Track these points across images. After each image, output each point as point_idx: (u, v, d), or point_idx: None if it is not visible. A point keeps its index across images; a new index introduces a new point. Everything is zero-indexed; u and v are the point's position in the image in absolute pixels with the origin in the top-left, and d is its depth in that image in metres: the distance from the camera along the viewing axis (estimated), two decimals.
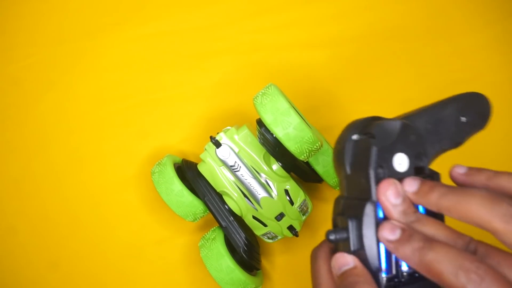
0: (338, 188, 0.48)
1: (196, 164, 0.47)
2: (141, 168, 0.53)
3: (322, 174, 0.46)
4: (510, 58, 0.54)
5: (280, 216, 0.45)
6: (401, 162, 0.29)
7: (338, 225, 0.30)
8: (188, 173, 0.46)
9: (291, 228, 0.46)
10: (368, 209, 0.28)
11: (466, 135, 0.32)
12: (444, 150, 0.31)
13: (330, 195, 0.51)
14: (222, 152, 0.44)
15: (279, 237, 0.47)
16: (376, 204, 0.28)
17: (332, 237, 0.29)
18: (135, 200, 0.53)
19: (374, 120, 0.31)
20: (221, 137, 0.44)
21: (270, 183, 0.44)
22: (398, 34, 0.55)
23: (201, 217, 0.47)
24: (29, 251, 0.52)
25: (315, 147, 0.40)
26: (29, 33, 0.57)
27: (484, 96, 0.33)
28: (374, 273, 0.28)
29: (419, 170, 0.30)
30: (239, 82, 0.54)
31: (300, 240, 0.50)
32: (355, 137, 0.30)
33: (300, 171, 0.46)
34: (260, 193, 0.44)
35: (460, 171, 0.30)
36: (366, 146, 0.29)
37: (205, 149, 0.45)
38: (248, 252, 0.45)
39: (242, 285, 0.44)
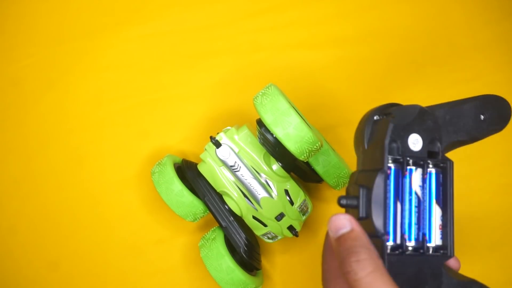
0: (338, 188, 0.48)
1: (196, 164, 0.47)
2: (141, 168, 0.53)
3: (322, 174, 0.46)
4: (510, 58, 0.54)
5: (280, 216, 0.45)
6: (415, 142, 0.31)
7: (350, 193, 0.31)
8: (188, 173, 0.46)
9: (291, 228, 0.46)
10: (379, 177, 0.29)
11: (483, 132, 0.34)
12: (460, 142, 0.33)
13: (330, 195, 0.51)
14: (222, 152, 0.44)
15: (279, 237, 0.47)
16: (388, 174, 0.30)
17: (343, 201, 0.30)
18: (135, 200, 0.53)
19: (393, 105, 0.33)
20: (221, 137, 0.44)
21: (270, 183, 0.44)
22: (398, 34, 0.55)
23: (201, 217, 0.47)
24: (29, 251, 0.52)
25: (315, 147, 0.40)
26: (29, 33, 0.57)
27: (505, 100, 0.34)
28: (379, 238, 0.29)
29: (432, 154, 0.32)
30: (239, 82, 0.54)
31: (300, 240, 0.50)
32: (376, 117, 0.32)
33: (300, 171, 0.46)
34: (260, 193, 0.44)
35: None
36: (384, 124, 0.31)
37: (205, 149, 0.45)
38: (248, 252, 0.45)
39: (242, 285, 0.44)
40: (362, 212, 0.29)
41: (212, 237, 0.45)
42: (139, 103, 0.55)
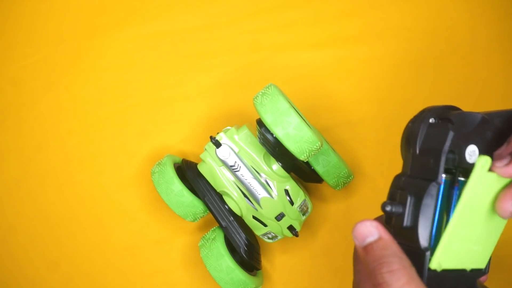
0: (338, 188, 0.48)
1: (196, 164, 0.47)
2: (141, 168, 0.53)
3: (322, 174, 0.46)
4: (510, 58, 0.53)
5: (280, 216, 0.45)
6: (471, 154, 0.29)
7: (395, 199, 0.29)
8: (188, 173, 0.46)
9: (291, 228, 0.46)
10: (432, 189, 0.28)
11: None
12: None
13: (330, 195, 0.51)
14: (222, 152, 0.44)
15: (279, 237, 0.47)
16: (440, 186, 0.28)
17: (388, 208, 0.28)
18: (135, 200, 0.53)
19: (452, 109, 0.32)
20: (221, 137, 0.44)
21: (270, 183, 0.44)
22: (398, 34, 0.54)
23: (201, 217, 0.47)
24: (29, 251, 0.52)
25: (315, 147, 0.40)
26: (29, 33, 0.57)
27: None
28: (421, 251, 0.28)
29: None
30: (239, 82, 0.54)
31: (300, 240, 0.50)
32: (432, 120, 0.30)
33: (300, 171, 0.46)
34: (260, 193, 0.44)
35: (500, 164, 0.29)
36: (442, 130, 0.29)
37: (205, 149, 0.45)
38: (248, 252, 0.45)
39: (242, 285, 0.44)
40: (407, 221, 0.28)
41: (212, 237, 0.45)
42: (139, 103, 0.55)
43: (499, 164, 0.29)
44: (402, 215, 0.28)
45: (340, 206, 0.51)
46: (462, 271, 0.29)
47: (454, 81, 0.53)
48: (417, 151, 0.30)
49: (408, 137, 0.31)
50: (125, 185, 0.53)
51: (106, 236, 0.52)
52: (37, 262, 0.52)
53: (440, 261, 0.28)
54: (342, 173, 0.46)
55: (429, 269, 0.28)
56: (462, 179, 0.30)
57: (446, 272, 0.28)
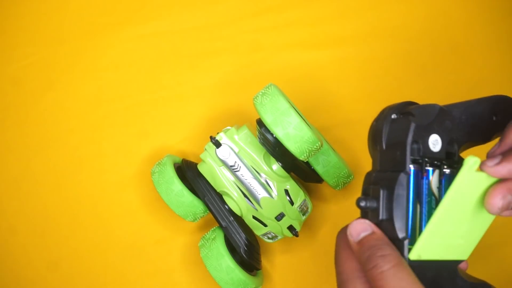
0: (338, 188, 0.48)
1: (196, 164, 0.47)
2: (141, 168, 0.53)
3: (322, 174, 0.46)
4: (509, 58, 0.53)
5: (280, 216, 0.45)
6: (435, 143, 0.31)
7: (369, 194, 0.30)
8: (188, 173, 0.46)
9: (291, 228, 0.46)
10: (402, 179, 0.29)
11: (494, 133, 0.33)
12: (472, 143, 0.33)
13: (330, 195, 0.51)
14: (222, 152, 0.44)
15: (279, 237, 0.47)
16: (409, 176, 0.29)
17: (362, 203, 0.30)
18: (135, 200, 0.53)
19: (411, 104, 0.33)
20: (221, 137, 0.44)
21: (270, 183, 0.44)
22: (398, 34, 0.54)
23: (201, 217, 0.47)
24: (29, 251, 0.52)
25: (315, 147, 0.40)
26: (29, 33, 0.57)
27: None
28: (399, 241, 0.29)
29: (449, 155, 0.31)
30: (239, 82, 0.54)
31: (300, 240, 0.50)
32: (394, 116, 0.32)
33: (300, 171, 0.46)
34: (260, 193, 0.44)
35: (491, 164, 0.30)
36: (404, 123, 0.30)
37: (205, 149, 0.45)
38: (248, 252, 0.45)
39: (242, 285, 0.44)
40: (382, 214, 0.29)
41: (212, 237, 0.45)
42: (139, 103, 0.55)
43: (490, 163, 0.29)
44: (377, 209, 0.29)
45: (340, 206, 0.51)
46: (443, 261, 0.30)
47: (453, 81, 0.53)
48: (384, 147, 0.31)
49: (374, 135, 0.32)
50: (125, 185, 0.53)
51: (106, 236, 0.52)
52: (37, 262, 0.52)
53: (420, 253, 0.29)
54: (342, 173, 0.46)
55: (409, 259, 0.28)
56: (448, 171, 0.31)
57: (427, 262, 0.29)
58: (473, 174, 0.29)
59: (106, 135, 0.54)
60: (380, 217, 0.29)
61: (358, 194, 0.50)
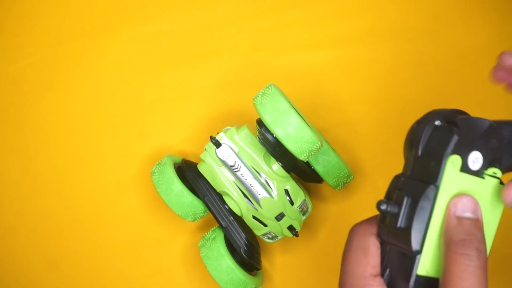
0: (338, 188, 0.48)
1: (196, 164, 0.47)
2: (141, 168, 0.53)
3: (322, 174, 0.46)
4: None
5: (280, 216, 0.45)
6: (475, 160, 0.29)
7: (392, 199, 0.29)
8: (188, 173, 0.46)
9: (291, 228, 0.46)
10: (430, 192, 0.28)
11: None
12: None
13: (330, 195, 0.51)
14: (222, 152, 0.44)
15: (279, 237, 0.47)
16: (438, 190, 0.28)
17: (383, 207, 0.28)
18: (135, 200, 0.53)
19: (460, 113, 0.31)
20: (221, 137, 0.44)
21: (270, 183, 0.44)
22: (398, 34, 0.54)
23: (201, 217, 0.47)
24: (29, 251, 0.52)
25: (315, 147, 0.40)
26: (29, 33, 0.57)
27: None
28: (412, 253, 0.27)
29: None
30: (239, 82, 0.54)
31: (300, 240, 0.50)
32: (437, 122, 0.30)
33: (300, 171, 0.46)
34: (260, 193, 0.44)
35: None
36: (446, 133, 0.28)
37: (205, 149, 0.45)
38: (248, 252, 0.45)
39: (242, 285, 0.44)
40: (401, 222, 0.28)
41: (212, 237, 0.45)
42: (139, 103, 0.55)
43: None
44: (397, 215, 0.28)
45: (340, 206, 0.51)
46: None
47: (454, 81, 0.53)
48: (419, 153, 0.29)
49: (412, 138, 0.30)
50: (125, 185, 0.53)
51: (106, 236, 0.52)
52: (37, 262, 0.52)
53: (426, 267, 0.28)
54: (342, 173, 0.46)
55: (417, 274, 0.27)
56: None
57: (435, 280, 0.28)
58: (457, 175, 0.28)
59: (106, 135, 0.54)
60: (398, 225, 0.28)
61: (358, 194, 0.51)
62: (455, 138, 0.28)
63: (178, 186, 0.45)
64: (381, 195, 0.54)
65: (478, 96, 0.52)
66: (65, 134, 0.55)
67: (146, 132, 0.54)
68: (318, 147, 0.40)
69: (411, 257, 0.28)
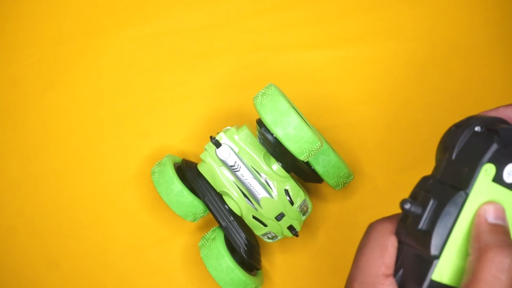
0: (338, 188, 0.48)
1: (196, 164, 0.47)
2: (141, 168, 0.53)
3: (322, 174, 0.46)
4: (510, 58, 0.53)
5: (280, 216, 0.45)
6: (510, 173, 0.28)
7: (417, 199, 0.28)
8: (188, 173, 0.46)
9: (291, 228, 0.46)
10: (459, 198, 0.27)
11: None
12: None
13: (330, 195, 0.51)
14: (222, 152, 0.44)
15: (279, 237, 0.47)
16: (467, 197, 0.27)
17: (407, 206, 0.27)
18: (135, 200, 0.53)
19: (502, 122, 0.30)
20: (221, 137, 0.44)
21: (270, 183, 0.44)
22: (398, 34, 0.54)
23: (201, 217, 0.47)
24: (29, 251, 0.52)
25: (315, 147, 0.40)
26: (29, 33, 0.57)
27: None
28: (430, 257, 0.27)
29: None
30: (239, 82, 0.54)
31: (300, 240, 0.50)
32: (477, 128, 0.29)
33: (300, 171, 0.46)
34: (260, 193, 0.44)
35: None
36: (486, 141, 0.27)
37: (205, 149, 0.45)
38: (248, 252, 0.45)
39: (242, 285, 0.44)
40: (423, 224, 0.27)
41: (212, 237, 0.45)
42: (139, 103, 0.55)
43: None
44: (420, 216, 0.27)
45: (340, 206, 0.51)
46: None
47: (454, 81, 0.53)
48: (454, 157, 0.28)
49: (448, 141, 0.29)
50: (125, 185, 0.53)
51: (106, 236, 0.52)
52: (37, 262, 0.52)
53: (441, 273, 0.27)
54: (342, 173, 0.46)
55: (431, 279, 0.27)
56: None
57: (447, 287, 0.28)
58: (489, 185, 0.27)
59: (106, 135, 0.54)
60: (420, 226, 0.27)
61: (358, 194, 0.51)
62: (494, 147, 0.27)
63: (178, 186, 0.45)
64: (381, 195, 0.55)
65: (478, 96, 0.52)
66: (65, 134, 0.55)
67: (146, 132, 0.54)
68: (318, 147, 0.40)
69: (428, 261, 0.27)
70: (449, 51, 0.54)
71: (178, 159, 0.49)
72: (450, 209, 0.27)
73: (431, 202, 0.27)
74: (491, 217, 0.27)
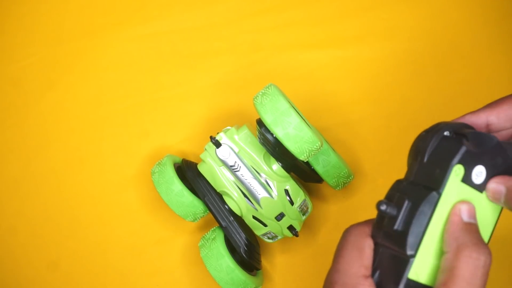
0: (338, 188, 0.48)
1: (196, 164, 0.47)
2: (141, 168, 0.53)
3: (322, 174, 0.46)
4: (510, 58, 0.53)
5: (280, 216, 0.45)
6: (479, 174, 0.29)
7: (392, 201, 0.29)
8: (188, 173, 0.46)
9: (291, 228, 0.46)
10: (432, 197, 0.28)
11: None
12: None
13: (330, 195, 0.51)
14: (222, 152, 0.44)
15: (279, 237, 0.47)
16: (439, 197, 0.28)
17: (382, 207, 0.28)
18: (135, 200, 0.53)
19: (468, 127, 0.31)
20: (221, 137, 0.44)
21: (270, 183, 0.44)
22: (398, 34, 0.55)
23: (201, 217, 0.47)
24: (29, 251, 0.52)
25: (315, 147, 0.40)
26: (29, 33, 0.57)
27: None
28: (406, 257, 0.28)
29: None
30: (239, 82, 0.54)
31: (300, 240, 0.50)
32: (446, 133, 0.30)
33: (300, 171, 0.46)
34: (260, 193, 0.44)
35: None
36: (455, 144, 0.29)
37: (205, 149, 0.45)
38: (248, 252, 0.45)
39: (242, 285, 0.44)
40: (399, 225, 0.28)
41: (212, 237, 0.45)
42: (139, 103, 0.55)
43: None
44: (395, 217, 0.28)
45: (340, 206, 0.51)
46: None
47: (454, 81, 0.53)
48: (425, 160, 0.30)
49: (419, 145, 0.31)
50: (125, 185, 0.53)
51: (106, 236, 0.52)
52: (37, 262, 0.52)
53: (417, 271, 0.28)
54: (342, 173, 0.46)
55: (408, 278, 0.27)
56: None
57: (422, 286, 0.28)
58: (459, 186, 0.29)
59: (106, 135, 0.54)
60: (396, 227, 0.28)
61: (358, 194, 0.51)
62: (463, 149, 0.28)
63: (178, 186, 0.45)
64: (381, 195, 0.54)
65: (478, 96, 0.52)
66: (65, 134, 0.55)
67: (146, 132, 0.54)
68: (318, 147, 0.40)
69: (404, 260, 0.28)
70: (448, 51, 0.54)
71: (178, 159, 0.49)
72: (424, 208, 0.28)
73: (406, 203, 0.28)
74: (465, 216, 0.29)
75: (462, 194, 0.29)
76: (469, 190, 0.29)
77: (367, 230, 0.30)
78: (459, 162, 0.28)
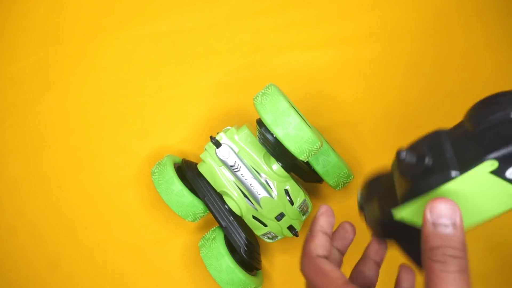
0: (338, 188, 0.48)
1: (196, 164, 0.47)
2: (141, 168, 0.53)
3: (322, 174, 0.46)
4: (509, 58, 0.54)
5: (280, 216, 0.45)
6: None
7: (416, 150, 0.28)
8: (188, 173, 0.46)
9: (291, 228, 0.46)
10: (447, 175, 0.27)
11: None
12: None
13: (330, 195, 0.51)
14: (222, 152, 0.44)
15: (279, 237, 0.47)
16: (453, 178, 0.27)
17: (402, 156, 0.27)
18: (135, 200, 0.53)
19: None
20: (221, 137, 0.44)
21: (270, 183, 0.44)
22: (397, 35, 0.55)
23: (201, 217, 0.47)
24: (29, 251, 0.52)
25: (315, 147, 0.40)
26: (29, 33, 0.57)
27: None
28: (447, 171, 0.26)
29: None
30: (239, 82, 0.54)
31: (300, 240, 0.50)
32: None
33: (300, 171, 0.46)
34: (260, 193, 0.44)
35: None
36: (510, 136, 0.26)
37: (205, 149, 0.45)
38: (248, 252, 0.45)
39: (242, 285, 0.44)
40: (428, 161, 0.27)
41: (212, 237, 0.45)
42: (139, 103, 0.55)
43: None
44: (418, 164, 0.27)
45: (340, 206, 0.51)
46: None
47: (453, 81, 0.53)
48: (476, 131, 0.27)
49: (480, 112, 0.28)
50: (125, 185, 0.53)
51: (106, 236, 0.52)
52: (37, 262, 0.52)
53: (403, 215, 0.29)
54: (342, 173, 0.46)
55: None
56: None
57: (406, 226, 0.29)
58: (485, 175, 0.27)
59: (106, 135, 0.54)
60: (426, 162, 0.27)
61: None
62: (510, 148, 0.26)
63: (178, 186, 0.45)
64: None
65: (478, 96, 0.52)
66: (65, 134, 0.55)
67: (146, 132, 0.54)
68: (318, 147, 0.40)
69: (444, 176, 0.27)
70: (448, 51, 0.54)
71: (178, 159, 0.49)
72: (433, 181, 0.27)
73: (426, 160, 0.27)
74: (433, 217, 0.27)
75: (481, 185, 0.27)
76: (495, 180, 0.27)
77: (312, 251, 0.32)
78: (497, 158, 0.26)
